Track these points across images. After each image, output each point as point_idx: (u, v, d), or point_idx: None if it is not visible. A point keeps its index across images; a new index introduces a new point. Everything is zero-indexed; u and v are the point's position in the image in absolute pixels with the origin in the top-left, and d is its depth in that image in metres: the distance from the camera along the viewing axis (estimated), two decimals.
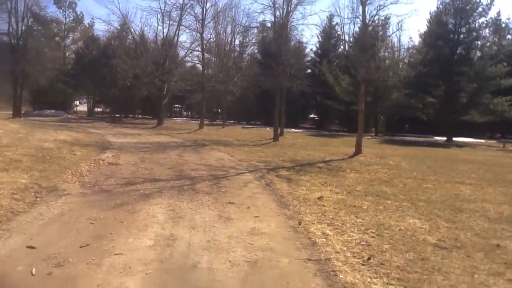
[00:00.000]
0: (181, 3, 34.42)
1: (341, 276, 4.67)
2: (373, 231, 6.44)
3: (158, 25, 41.18)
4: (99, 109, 59.01)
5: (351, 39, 50.61)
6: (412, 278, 4.69)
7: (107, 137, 20.81)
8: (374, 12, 18.93)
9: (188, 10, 34.48)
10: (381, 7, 18.25)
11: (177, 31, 36.41)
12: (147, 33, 41.16)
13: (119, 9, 51.94)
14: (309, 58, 52.97)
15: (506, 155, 24.17)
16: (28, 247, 5.09)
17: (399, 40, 54.35)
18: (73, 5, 46.26)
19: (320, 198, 8.64)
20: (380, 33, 45.20)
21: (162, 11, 35.43)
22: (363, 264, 5.07)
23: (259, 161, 14.34)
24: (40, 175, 9.05)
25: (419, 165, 15.28)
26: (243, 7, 56.69)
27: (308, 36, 67.48)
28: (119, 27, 42.04)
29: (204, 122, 36.39)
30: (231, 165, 13.23)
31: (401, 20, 43.79)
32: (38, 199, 7.29)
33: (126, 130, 28.11)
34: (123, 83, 40.45)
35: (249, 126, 44.81)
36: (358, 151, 17.23)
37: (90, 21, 48.40)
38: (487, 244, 6.10)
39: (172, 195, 8.34)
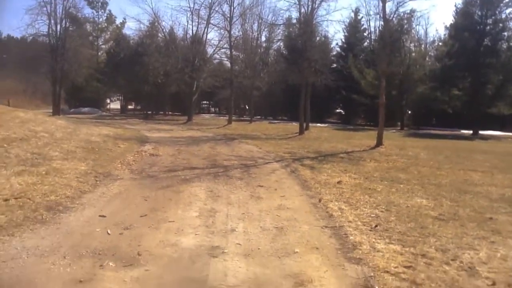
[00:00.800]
0: (210, 1, 35.75)
1: (351, 238, 5.80)
2: (383, 207, 7.52)
3: (187, 23, 42.50)
4: (130, 107, 61.05)
5: (376, 33, 50.86)
6: (409, 239, 5.77)
7: (143, 132, 22.31)
8: (394, 9, 19.64)
9: (217, 9, 35.81)
10: (401, 4, 19.01)
11: (206, 29, 37.82)
12: (177, 31, 42.68)
13: (151, 8, 53.61)
14: (335, 53, 53.44)
15: None
16: (100, 216, 6.40)
17: (425, 33, 54.24)
18: (105, 5, 48.27)
19: (339, 182, 9.74)
20: (406, 26, 45.60)
21: (192, 9, 36.89)
22: (370, 230, 6.18)
23: (285, 152, 15.47)
24: (94, 163, 10.44)
25: (437, 156, 16.11)
26: (269, 4, 57.58)
27: (334, 30, 67.93)
28: (149, 25, 43.82)
29: (232, 117, 37.68)
30: (259, 156, 14.42)
31: (420, 16, 43.67)
32: (98, 182, 8.64)
33: (159, 126, 29.66)
34: (154, 80, 42.08)
35: (275, 121, 45.77)
36: (379, 143, 18.16)
37: (122, 20, 50.41)
38: (482, 217, 7.10)
39: (209, 179, 9.59)
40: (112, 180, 8.94)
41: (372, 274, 4.61)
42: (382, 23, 43.36)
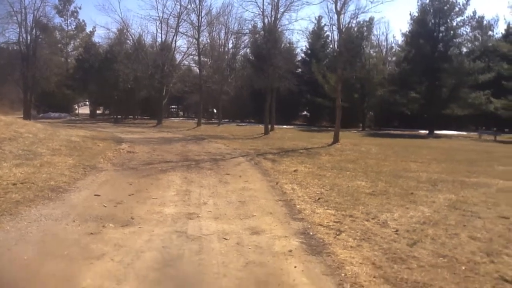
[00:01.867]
0: (178, 11, 37.13)
1: (297, 206, 7.42)
2: (328, 187, 9.20)
3: (156, 31, 43.73)
4: (99, 111, 61.43)
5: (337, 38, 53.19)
6: (343, 207, 7.43)
7: (117, 134, 23.46)
8: (348, 20, 21.54)
9: (185, 18, 37.24)
10: (354, 16, 20.96)
11: (175, 37, 39.16)
12: (146, 38, 43.75)
13: (120, 17, 54.24)
14: (299, 58, 55.49)
15: (473, 143, 26.99)
16: (95, 195, 7.80)
17: (386, 39, 57.08)
18: (75, 14, 48.89)
19: (295, 170, 11.40)
20: (365, 33, 48.22)
21: (161, 18, 38.18)
22: (314, 202, 7.82)
23: (250, 149, 17.07)
24: (80, 158, 11.74)
25: (387, 151, 18.03)
26: (235, 14, 59.27)
27: (298, 37, 70.31)
28: (117, 33, 44.81)
29: (201, 121, 39.02)
30: (227, 152, 15.97)
31: (378, 23, 47.07)
32: (86, 172, 9.99)
33: (130, 129, 30.76)
34: (124, 86, 43.03)
35: (243, 124, 47.32)
36: (336, 140, 20.00)
37: (92, 29, 51.03)
38: (405, 193, 8.85)
39: (183, 170, 11.08)
40: (98, 171, 10.30)
41: (309, 226, 6.22)
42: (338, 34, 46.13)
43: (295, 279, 4.34)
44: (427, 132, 40.92)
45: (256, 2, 28.65)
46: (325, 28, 56.85)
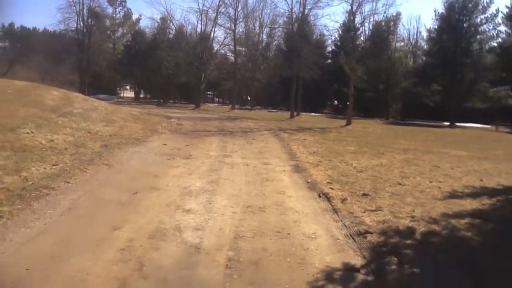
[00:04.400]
0: (217, 4, 40.97)
1: (297, 155, 11.17)
2: (323, 148, 12.90)
3: (197, 22, 47.65)
4: (141, 95, 66.24)
5: (367, 32, 55.96)
6: (326, 157, 11.12)
7: (163, 112, 27.58)
8: (361, 21, 24.79)
9: (223, 11, 41.05)
10: (367, 17, 24.21)
11: (213, 28, 43.04)
12: (187, 28, 47.78)
13: (165, 9, 58.42)
14: (330, 49, 58.44)
15: (482, 133, 29.73)
16: (163, 144, 11.76)
17: (416, 33, 59.30)
18: (123, 3, 53.43)
19: (304, 139, 15.12)
20: (392, 28, 50.92)
21: (201, 11, 42.11)
22: (309, 154, 11.55)
23: (274, 126, 20.80)
24: (144, 125, 15.76)
25: (389, 133, 21.41)
26: (269, 6, 62.52)
27: (331, 30, 72.98)
28: (161, 23, 49.11)
29: (236, 107, 42.96)
30: (255, 127, 19.80)
31: (399, 19, 50.35)
32: (152, 133, 14.00)
33: (173, 110, 34.82)
34: (166, 72, 47.29)
35: (274, 110, 50.90)
36: (348, 123, 23.51)
37: (138, 17, 55.52)
38: (378, 153, 12.43)
39: (220, 136, 15.00)
40: (160, 133, 14.31)
41: (300, 163, 9.98)
42: (373, 25, 49.05)
43: (282, 179, 8.15)
44: (448, 124, 43.29)
45: (286, 0, 32.18)
46: (356, 21, 59.56)
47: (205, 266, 4.06)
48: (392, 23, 50.52)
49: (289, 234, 5.05)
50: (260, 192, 7.01)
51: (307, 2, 31.37)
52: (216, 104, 65.10)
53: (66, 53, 44.46)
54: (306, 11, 31.47)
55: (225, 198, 6.45)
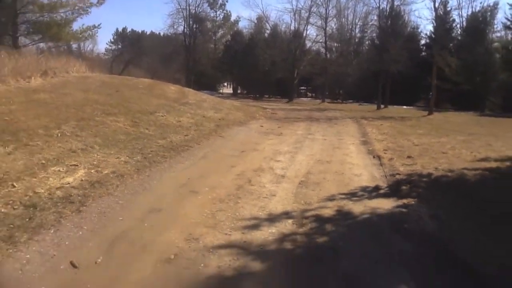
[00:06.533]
0: (309, 4, 43.70)
1: (368, 134, 13.62)
2: (394, 131, 15.09)
3: (290, 21, 50.67)
4: (238, 91, 70.94)
5: (463, 24, 54.96)
6: (394, 136, 13.38)
7: (260, 105, 30.93)
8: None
9: (314, 11, 43.67)
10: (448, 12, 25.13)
11: (306, 27, 45.80)
12: (281, 27, 50.96)
13: (262, 11, 62.65)
14: (423, 42, 58.15)
15: None
16: (260, 126, 14.80)
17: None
18: (223, 6, 58.02)
19: (380, 124, 17.35)
20: (488, 18, 49.71)
21: (294, 10, 45.13)
22: (379, 134, 13.89)
23: (357, 115, 23.04)
24: (244, 113, 18.98)
25: (470, 122, 22.56)
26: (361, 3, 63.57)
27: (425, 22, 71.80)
28: (257, 23, 52.90)
29: (326, 100, 45.31)
30: (340, 116, 22.27)
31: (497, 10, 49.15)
32: (251, 119, 17.15)
33: (268, 103, 38.22)
34: (262, 69, 50.88)
35: (365, 104, 52.31)
36: (430, 113, 24.96)
37: (236, 18, 60.05)
38: (442, 135, 14.34)
39: (307, 122, 17.76)
40: (257, 119, 17.43)
41: (368, 139, 12.42)
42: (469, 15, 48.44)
43: (349, 148, 10.74)
44: None
45: None
46: (452, 13, 58.65)
47: (286, 183, 6.91)
48: (489, 13, 49.42)
49: (343, 173, 7.73)
50: (329, 153, 9.72)
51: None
52: (309, 98, 67.55)
53: (174, 54, 49.98)
54: (395, 6, 32.73)
55: (303, 156, 9.27)
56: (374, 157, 9.45)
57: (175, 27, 48.57)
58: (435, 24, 27.90)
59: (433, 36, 58.51)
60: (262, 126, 14.88)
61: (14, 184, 5.68)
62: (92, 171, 6.69)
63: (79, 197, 5.49)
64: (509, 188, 6.79)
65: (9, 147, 7.02)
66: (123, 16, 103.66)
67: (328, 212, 5.49)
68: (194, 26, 49.29)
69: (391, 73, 35.41)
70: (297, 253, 4.31)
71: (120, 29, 65.80)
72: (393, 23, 36.74)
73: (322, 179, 7.19)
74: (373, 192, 6.57)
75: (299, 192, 6.40)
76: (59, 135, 8.34)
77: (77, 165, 6.87)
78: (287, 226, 4.94)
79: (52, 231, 4.47)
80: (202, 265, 3.92)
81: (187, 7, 47.58)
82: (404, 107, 46.51)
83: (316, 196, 6.22)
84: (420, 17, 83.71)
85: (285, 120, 17.93)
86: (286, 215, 5.30)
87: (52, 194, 5.51)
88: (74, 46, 51.53)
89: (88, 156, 7.43)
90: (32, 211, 4.89)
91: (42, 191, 5.59)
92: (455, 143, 11.93)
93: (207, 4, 54.01)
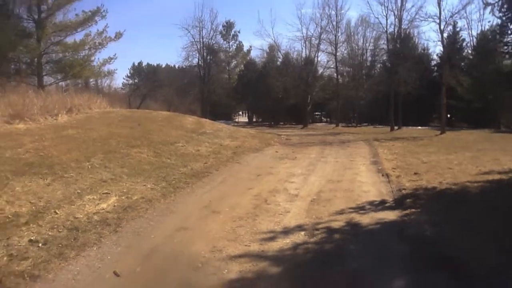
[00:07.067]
0: (319, 32, 44.92)
1: (379, 155, 14.18)
2: (405, 150, 15.61)
3: (301, 49, 51.80)
4: (254, 119, 72.06)
5: (473, 43, 55.51)
6: (403, 154, 13.92)
7: (274, 132, 31.69)
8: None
9: (324, 38, 44.92)
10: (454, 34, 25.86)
11: (317, 53, 46.90)
12: (293, 54, 52.15)
13: (273, 40, 63.79)
14: (434, 63, 58.71)
15: None
16: (275, 151, 15.48)
17: None
18: (235, 37, 59.75)
19: (392, 145, 17.88)
20: (497, 36, 50.15)
21: (304, 38, 46.34)
22: (390, 154, 14.44)
23: (370, 138, 23.57)
24: (259, 140, 19.69)
25: (480, 139, 22.82)
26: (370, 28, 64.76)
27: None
28: (269, 52, 54.30)
29: (340, 124, 45.96)
30: (353, 139, 22.82)
31: None
32: (266, 145, 17.83)
33: (283, 130, 38.98)
34: (275, 96, 51.91)
35: (379, 126, 52.67)
36: (441, 132, 25.38)
37: (248, 48, 61.64)
38: (451, 152, 14.81)
39: (320, 146, 18.37)
40: (272, 146, 18.11)
41: (379, 159, 12.98)
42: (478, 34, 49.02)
43: (359, 168, 11.33)
44: None
45: (380, 24, 35.07)
46: (461, 33, 59.30)
47: (299, 201, 7.54)
48: (498, 31, 49.90)
49: (352, 191, 8.33)
50: (340, 174, 10.34)
51: (402, 24, 33.76)
52: (324, 123, 68.19)
53: (190, 86, 51.48)
54: (402, 31, 33.61)
55: (316, 177, 9.89)
56: (382, 175, 10.01)
57: (189, 59, 50.22)
58: (442, 46, 27.94)
59: (443, 55, 59.44)
60: (277, 151, 15.55)
61: (56, 211, 6.43)
62: (123, 197, 7.41)
63: (114, 220, 6.20)
64: (507, 196, 7.30)
65: (47, 179, 7.80)
66: (138, 51, 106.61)
67: (337, 224, 6.10)
68: (208, 57, 50.80)
69: (401, 94, 35.94)
70: (308, 257, 4.92)
71: (136, 63, 67.85)
72: (402, 46, 37.51)
73: (332, 197, 7.79)
74: (379, 205, 7.14)
75: (311, 208, 7.01)
76: (89, 167, 9.13)
77: (109, 193, 7.61)
78: (299, 237, 5.56)
79: (95, 248, 5.16)
80: (225, 271, 4.56)
81: (201, 40, 49.24)
82: (419, 127, 46.83)
83: (327, 211, 6.82)
84: (428, 40, 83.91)
85: (299, 145, 18.58)
86: (299, 228, 5.92)
87: (90, 218, 6.23)
88: (92, 81, 53.62)
89: (118, 185, 8.17)
90: (75, 233, 5.61)
91: (81, 216, 6.31)
92: (462, 159, 12.41)
93: (220, 36, 55.70)
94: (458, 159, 12.65)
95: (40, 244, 5.17)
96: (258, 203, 7.34)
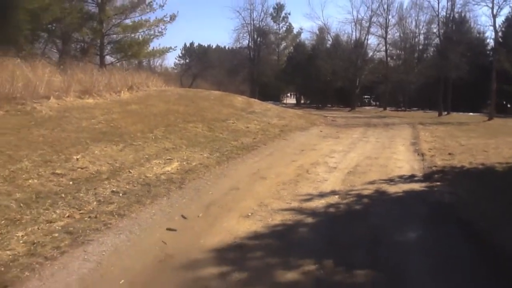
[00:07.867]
0: (369, 15, 44.70)
1: (420, 137, 14.77)
2: (446, 134, 16.07)
3: (351, 31, 51.62)
4: (302, 101, 72.51)
5: None
6: (444, 137, 14.45)
7: (321, 114, 32.38)
8: None
9: (374, 20, 44.66)
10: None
11: (367, 36, 46.74)
12: (342, 37, 52.14)
13: (323, 23, 63.59)
14: (490, 47, 56.79)
15: None
16: (320, 131, 16.36)
17: None
18: (285, 19, 60.25)
19: (435, 129, 18.29)
20: None
21: (355, 20, 46.25)
22: (431, 136, 15.01)
23: (416, 121, 23.87)
24: (305, 120, 20.58)
25: None
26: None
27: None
28: (318, 34, 54.48)
29: (389, 108, 45.85)
30: (398, 122, 23.28)
31: None
32: (312, 125, 18.71)
33: (330, 112, 39.50)
34: (324, 78, 52.19)
35: (429, 111, 51.95)
36: (489, 118, 25.27)
37: (299, 30, 61.97)
38: (492, 137, 15.15)
39: (364, 128, 19.09)
40: (317, 126, 18.97)
41: (418, 141, 13.61)
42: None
43: (398, 148, 12.08)
44: None
45: (432, 7, 34.89)
46: None
47: (337, 172, 8.50)
48: None
49: (387, 166, 9.18)
50: (379, 152, 11.16)
51: (455, 7, 33.31)
52: (373, 107, 67.68)
53: (239, 67, 52.76)
54: (455, 14, 33.15)
55: (355, 154, 10.79)
56: (418, 154, 10.74)
57: (240, 41, 51.45)
58: (494, 31, 27.50)
59: (499, 40, 57.33)
60: (321, 131, 16.42)
61: (130, 171, 7.71)
62: (184, 163, 8.62)
63: (178, 179, 7.40)
64: None
65: (119, 146, 9.13)
66: (190, 32, 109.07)
67: (367, 191, 7.03)
68: (258, 39, 51.76)
69: (452, 79, 35.50)
70: (338, 214, 5.92)
71: (187, 44, 69.68)
72: (455, 30, 36.92)
73: (367, 170, 8.68)
74: (408, 179, 7.99)
75: (346, 178, 7.96)
76: (153, 137, 10.43)
77: (171, 159, 8.85)
78: (333, 199, 6.55)
79: (165, 199, 6.37)
80: (270, 219, 5.63)
81: (251, 22, 50.26)
82: (470, 113, 45.93)
83: (360, 181, 7.75)
84: (482, 25, 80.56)
85: (344, 126, 19.33)
86: (333, 193, 6.90)
87: (158, 177, 7.47)
88: (145, 61, 55.86)
89: (178, 153, 9.41)
90: (148, 187, 6.85)
91: (151, 175, 7.56)
92: (501, 143, 12.86)
93: (270, 18, 56.37)
94: (497, 143, 13.07)
95: (121, 194, 6.43)
96: (300, 173, 8.35)
